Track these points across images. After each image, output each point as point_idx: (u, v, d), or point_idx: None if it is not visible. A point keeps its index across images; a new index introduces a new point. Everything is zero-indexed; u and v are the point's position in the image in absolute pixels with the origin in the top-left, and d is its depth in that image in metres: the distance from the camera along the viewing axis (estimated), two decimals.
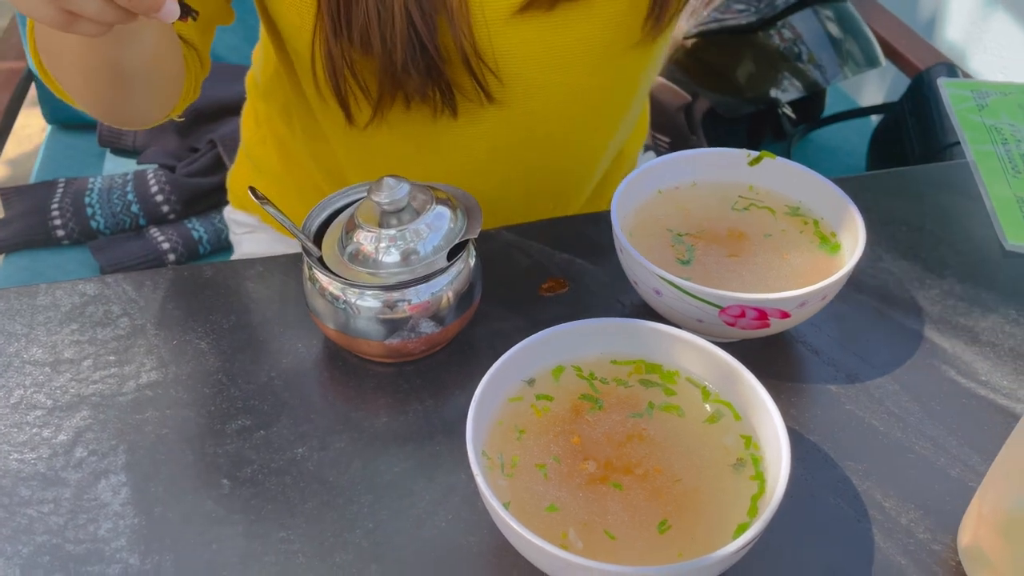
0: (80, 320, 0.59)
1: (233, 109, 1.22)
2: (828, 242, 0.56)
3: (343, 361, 0.57)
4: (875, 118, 1.38)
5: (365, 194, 0.56)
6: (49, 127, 1.30)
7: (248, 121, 0.89)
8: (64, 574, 0.46)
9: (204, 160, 1.20)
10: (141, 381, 0.55)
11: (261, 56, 0.85)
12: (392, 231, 0.52)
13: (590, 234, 0.66)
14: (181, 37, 0.58)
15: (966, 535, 0.46)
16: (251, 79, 0.88)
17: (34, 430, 0.53)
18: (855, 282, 0.62)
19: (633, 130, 0.84)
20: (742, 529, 0.42)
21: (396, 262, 0.52)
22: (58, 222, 1.13)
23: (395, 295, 0.52)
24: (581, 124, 0.72)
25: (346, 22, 0.58)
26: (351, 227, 0.53)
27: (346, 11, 0.57)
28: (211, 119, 1.27)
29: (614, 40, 0.67)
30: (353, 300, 0.52)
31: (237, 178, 0.93)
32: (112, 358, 0.57)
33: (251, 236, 0.92)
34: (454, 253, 0.53)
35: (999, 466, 0.43)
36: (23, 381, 0.55)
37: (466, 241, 0.53)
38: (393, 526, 0.48)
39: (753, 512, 0.42)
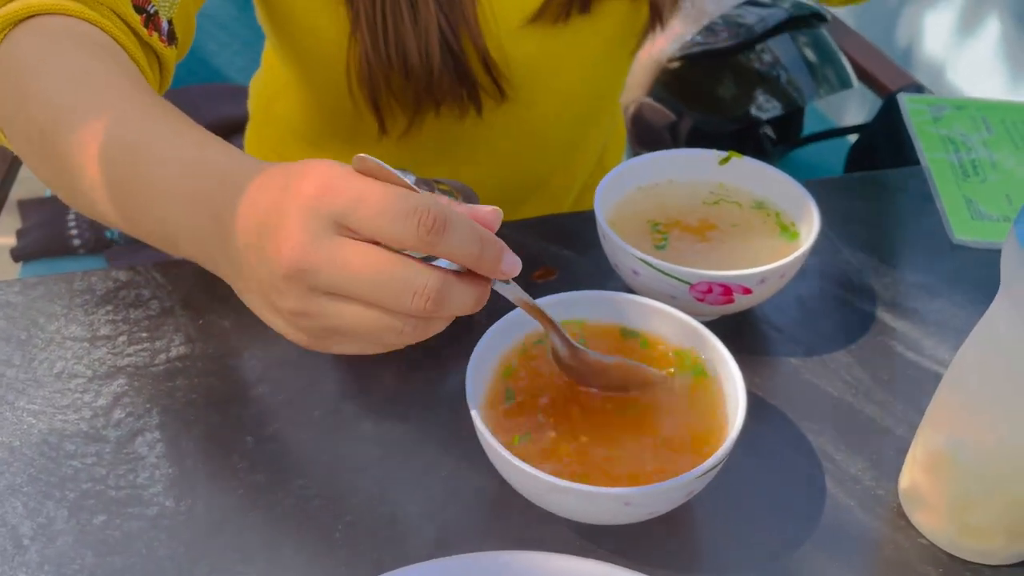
0: (114, 302, 0.65)
1: (241, 127, 1.29)
2: (788, 230, 0.63)
3: None
4: (851, 138, 1.46)
5: None
6: None
7: (251, 141, 0.96)
8: (108, 515, 0.52)
9: None
10: (171, 354, 0.61)
11: (259, 88, 0.91)
12: None
13: (577, 229, 0.73)
14: (155, 53, 0.59)
15: (904, 479, 0.52)
16: (251, 106, 0.95)
17: (76, 395, 0.59)
18: (817, 271, 0.68)
19: (611, 139, 0.91)
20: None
21: None
22: (74, 232, 1.19)
23: None
24: (575, 125, 0.80)
25: (384, 37, 0.65)
26: None
27: (383, 28, 0.64)
28: (221, 136, 1.34)
29: (612, 49, 0.76)
30: None
31: None
32: (144, 335, 0.63)
33: None
34: None
35: (929, 415, 0.50)
36: (64, 354, 0.61)
37: None
38: (400, 475, 0.54)
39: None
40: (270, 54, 0.87)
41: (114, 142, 0.47)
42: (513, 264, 0.41)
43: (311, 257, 0.38)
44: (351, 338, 0.41)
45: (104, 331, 0.63)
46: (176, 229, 0.46)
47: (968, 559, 0.49)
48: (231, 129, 1.32)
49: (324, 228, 0.38)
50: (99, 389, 0.59)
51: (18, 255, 1.16)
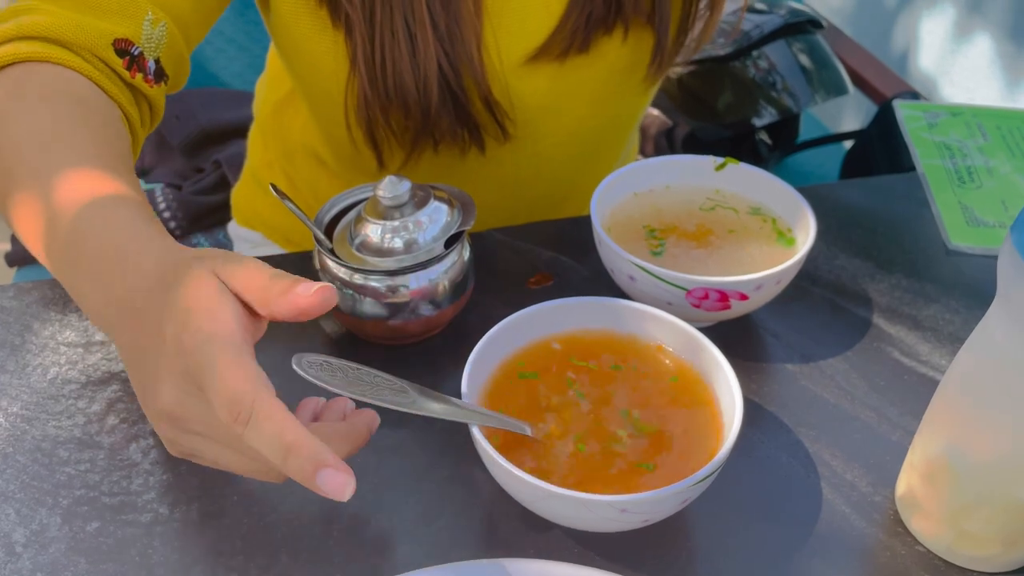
0: None
1: (237, 132, 1.29)
2: (784, 237, 0.63)
3: (349, 343, 0.63)
4: (846, 144, 1.46)
5: (369, 194, 0.63)
6: None
7: (255, 144, 0.95)
8: (101, 521, 0.51)
9: (209, 179, 1.27)
10: None
11: (264, 94, 0.91)
12: (395, 223, 0.58)
13: (573, 235, 0.73)
14: (141, 92, 0.61)
15: (901, 486, 0.52)
16: (256, 108, 0.94)
17: (70, 401, 0.58)
18: (813, 276, 0.68)
19: (627, 158, 0.91)
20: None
21: (399, 251, 0.58)
22: None
23: (397, 280, 0.58)
24: (583, 161, 0.80)
25: (382, 73, 0.64)
26: (359, 221, 0.60)
27: (381, 64, 0.64)
28: (217, 141, 1.34)
29: (616, 85, 0.75)
30: (359, 285, 0.58)
31: (241, 196, 0.99)
32: None
33: (255, 251, 0.98)
34: (450, 243, 0.59)
35: (926, 421, 0.49)
36: (58, 360, 0.61)
37: (461, 232, 0.60)
38: (395, 481, 0.54)
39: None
40: (276, 57, 0.87)
41: (55, 210, 0.49)
42: (336, 487, 0.38)
43: (182, 411, 0.42)
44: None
45: (99, 337, 0.63)
46: (83, 299, 0.49)
47: (965, 566, 0.49)
48: (229, 134, 1.32)
49: (192, 385, 0.41)
50: (93, 395, 0.59)
51: (13, 260, 1.15)
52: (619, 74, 0.74)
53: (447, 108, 0.67)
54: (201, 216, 1.22)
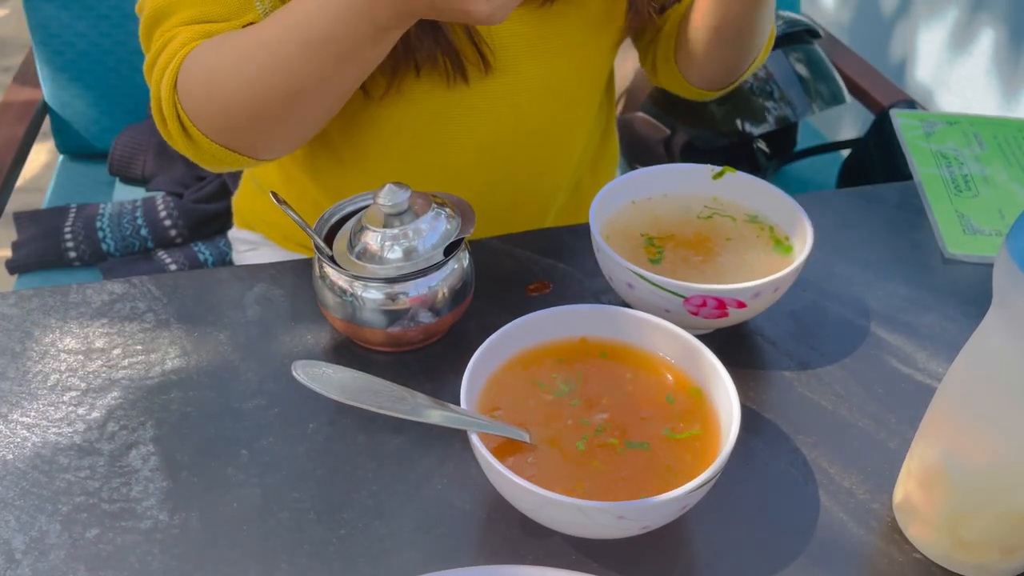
0: (109, 315, 0.65)
1: None
2: (781, 244, 0.63)
3: (349, 350, 0.63)
4: (844, 153, 1.46)
5: (369, 202, 0.63)
6: (61, 157, 1.37)
7: None
8: (100, 528, 0.51)
9: (210, 188, 1.27)
10: (166, 367, 0.61)
11: None
12: (395, 230, 0.59)
13: (571, 243, 0.73)
14: None
15: (899, 493, 0.52)
16: None
17: (70, 408, 0.58)
18: (810, 284, 0.68)
19: (604, 149, 0.92)
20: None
21: (398, 258, 0.59)
22: (70, 244, 1.19)
23: (396, 287, 0.58)
24: (558, 120, 0.81)
25: None
26: (359, 229, 0.60)
27: None
28: None
29: (592, 36, 0.78)
30: (359, 292, 0.59)
31: (242, 199, 1.00)
32: (139, 347, 0.63)
33: (254, 253, 0.98)
34: (450, 251, 0.60)
35: (923, 429, 0.50)
36: (59, 367, 0.61)
37: (460, 239, 0.60)
38: (394, 488, 0.54)
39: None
40: None
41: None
42: None
43: None
44: None
45: (99, 344, 0.63)
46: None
47: (962, 573, 0.49)
48: None
49: None
50: (93, 402, 0.59)
51: (13, 267, 1.16)
52: (595, 24, 0.77)
53: (427, 33, 0.70)
54: (202, 224, 1.23)
